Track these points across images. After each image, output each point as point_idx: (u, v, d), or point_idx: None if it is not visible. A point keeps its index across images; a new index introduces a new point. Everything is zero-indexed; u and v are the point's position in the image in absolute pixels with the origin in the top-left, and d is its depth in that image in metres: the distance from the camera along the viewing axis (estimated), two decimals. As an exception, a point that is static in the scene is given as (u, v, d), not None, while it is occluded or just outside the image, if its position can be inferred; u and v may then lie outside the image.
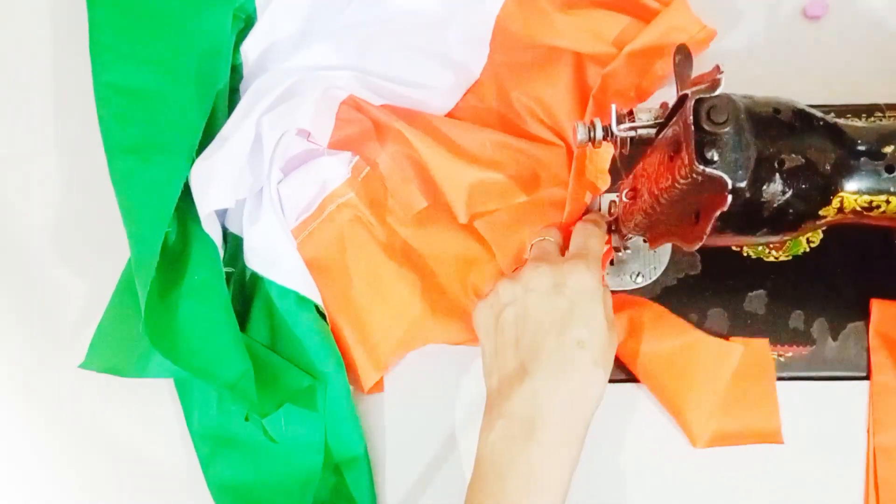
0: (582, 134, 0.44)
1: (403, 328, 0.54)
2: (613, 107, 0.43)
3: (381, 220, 0.55)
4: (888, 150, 0.39)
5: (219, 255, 0.54)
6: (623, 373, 0.53)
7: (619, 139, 0.43)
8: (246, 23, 0.56)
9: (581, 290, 0.46)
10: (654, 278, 0.55)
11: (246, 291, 0.56)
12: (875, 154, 0.39)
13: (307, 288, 0.53)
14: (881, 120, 0.54)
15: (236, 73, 0.57)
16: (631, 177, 0.47)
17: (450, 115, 0.57)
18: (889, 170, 0.39)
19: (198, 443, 0.54)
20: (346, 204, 0.55)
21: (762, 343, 0.53)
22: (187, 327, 0.51)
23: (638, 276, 0.55)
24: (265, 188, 0.53)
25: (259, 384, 0.50)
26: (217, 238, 0.54)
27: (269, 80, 0.54)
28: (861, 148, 0.39)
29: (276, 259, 0.53)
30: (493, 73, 0.57)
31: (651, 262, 0.55)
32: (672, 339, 0.52)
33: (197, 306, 0.52)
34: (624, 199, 0.48)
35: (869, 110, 0.55)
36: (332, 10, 0.56)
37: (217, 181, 0.52)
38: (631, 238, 0.52)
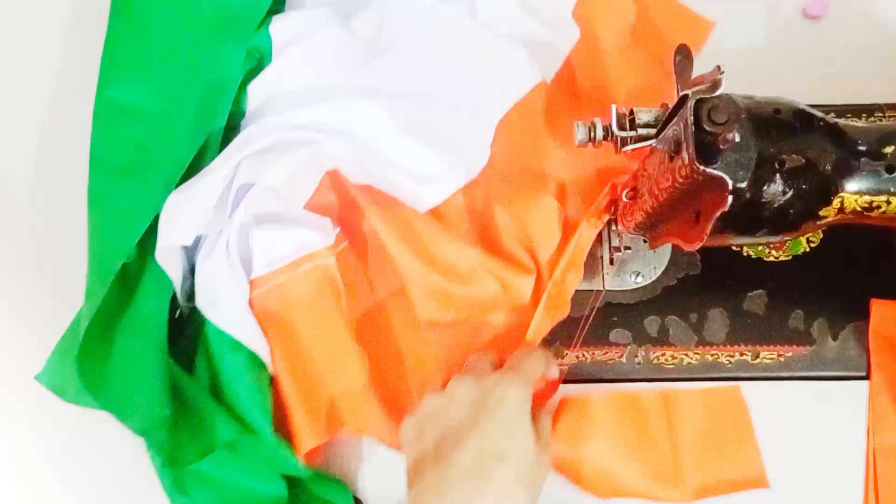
0: (582, 134, 0.44)
1: (345, 407, 0.52)
2: (613, 107, 0.43)
3: (351, 293, 0.53)
4: (888, 150, 0.39)
5: (170, 293, 0.52)
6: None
7: (618, 139, 0.43)
8: (258, 63, 0.55)
9: (505, 402, 0.44)
10: (654, 278, 0.55)
11: (199, 328, 0.53)
12: (875, 154, 0.39)
13: (243, 333, 0.51)
14: (881, 120, 0.54)
15: (239, 110, 0.55)
16: (631, 177, 0.47)
17: (433, 210, 0.54)
18: (889, 170, 0.39)
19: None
20: (323, 267, 0.52)
21: (732, 389, 0.52)
22: (118, 363, 0.50)
23: (638, 276, 0.55)
24: (224, 227, 0.52)
25: (187, 430, 0.49)
26: (174, 272, 0.52)
27: (264, 128, 0.53)
28: (861, 148, 0.39)
29: (216, 299, 0.51)
30: (486, 178, 0.55)
31: (651, 262, 0.55)
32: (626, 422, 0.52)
33: (133, 343, 0.50)
34: (624, 199, 0.48)
35: (869, 110, 0.55)
36: (347, 71, 0.55)
37: (183, 217, 0.51)
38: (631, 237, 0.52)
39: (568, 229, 0.54)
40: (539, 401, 0.50)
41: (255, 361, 0.51)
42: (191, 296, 0.54)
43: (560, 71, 0.57)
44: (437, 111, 0.54)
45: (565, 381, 0.53)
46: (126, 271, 0.51)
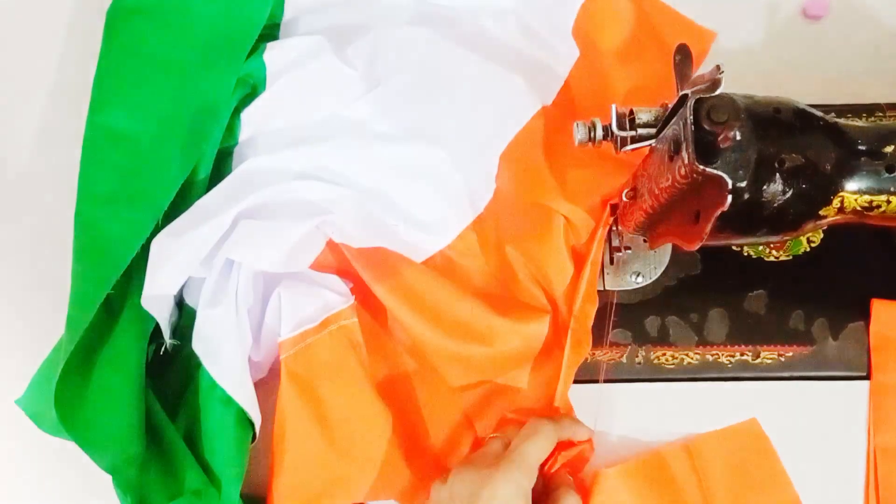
0: (582, 133, 0.44)
1: (368, 476, 0.50)
2: (614, 107, 0.43)
3: (371, 353, 0.52)
4: (888, 149, 0.39)
5: (150, 328, 0.52)
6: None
7: (618, 139, 0.43)
8: (253, 90, 0.55)
9: (494, 501, 0.44)
10: (654, 278, 0.55)
11: (189, 371, 0.53)
12: (875, 154, 0.39)
13: (239, 390, 0.50)
14: (881, 120, 0.54)
15: (232, 138, 0.55)
16: (631, 177, 0.47)
17: (443, 255, 0.54)
18: (889, 169, 0.39)
19: None
20: (348, 327, 0.51)
21: (751, 423, 0.52)
22: (94, 396, 0.49)
23: (638, 276, 0.55)
24: (232, 275, 0.50)
25: (158, 471, 0.49)
26: (160, 312, 0.51)
27: (263, 173, 0.52)
28: (861, 148, 0.39)
29: (218, 350, 0.50)
30: (494, 212, 0.54)
31: (651, 262, 0.55)
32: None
33: (110, 376, 0.50)
34: (624, 198, 0.48)
35: (869, 110, 0.55)
36: (341, 102, 0.54)
37: (172, 265, 0.50)
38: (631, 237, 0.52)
39: (576, 259, 0.53)
40: (572, 470, 0.50)
41: (243, 419, 0.50)
42: (175, 331, 0.53)
43: (560, 92, 0.56)
44: (439, 146, 0.53)
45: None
46: (109, 301, 0.50)
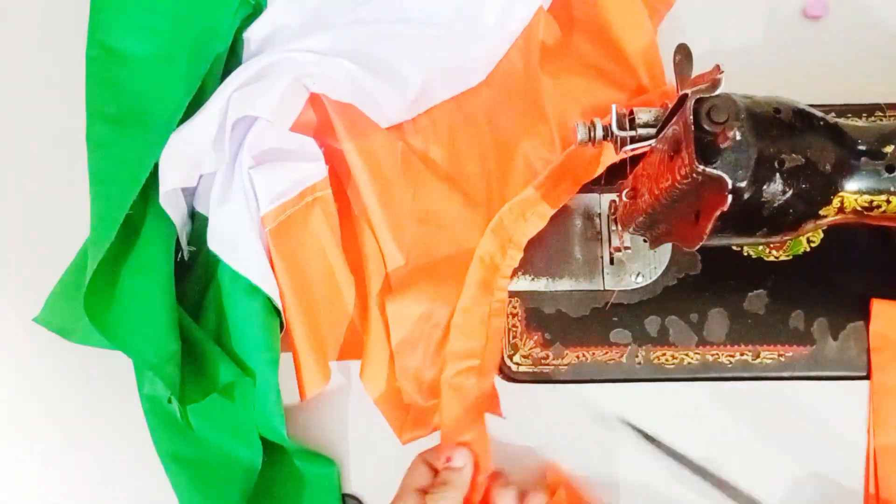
0: (582, 134, 0.44)
1: (342, 333, 0.54)
2: (614, 107, 0.43)
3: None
4: (888, 149, 0.39)
5: (173, 235, 0.53)
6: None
7: (618, 139, 0.43)
8: (255, 9, 0.56)
9: None
10: (654, 278, 0.55)
11: (208, 273, 0.55)
12: (875, 154, 0.39)
13: (262, 279, 0.52)
14: (881, 120, 0.54)
15: (236, 57, 0.56)
16: (631, 177, 0.47)
17: (425, 130, 0.57)
18: (889, 169, 0.39)
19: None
20: (323, 199, 0.54)
21: None
22: (125, 302, 0.51)
23: (638, 276, 0.55)
24: (237, 172, 0.53)
25: (190, 371, 0.50)
26: (177, 217, 0.53)
27: (253, 62, 0.54)
28: (861, 148, 0.39)
29: (236, 244, 0.52)
30: (482, 93, 0.57)
31: (651, 262, 0.55)
32: None
33: (139, 283, 0.51)
34: (624, 198, 0.48)
35: (869, 110, 0.55)
36: (344, 7, 0.56)
37: (181, 159, 0.51)
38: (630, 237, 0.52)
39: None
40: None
41: (270, 307, 0.52)
42: (191, 239, 0.55)
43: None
44: (438, 40, 0.55)
45: (568, 382, 0.53)
46: (129, 219, 0.52)
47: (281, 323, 0.53)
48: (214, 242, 0.53)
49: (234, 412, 0.53)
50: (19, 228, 0.59)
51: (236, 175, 0.53)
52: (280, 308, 0.52)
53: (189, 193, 0.56)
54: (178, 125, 0.53)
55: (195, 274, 0.55)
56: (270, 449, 0.53)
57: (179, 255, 0.55)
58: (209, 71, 0.54)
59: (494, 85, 0.57)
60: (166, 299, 0.51)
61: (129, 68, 0.55)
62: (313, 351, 0.53)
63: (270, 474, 0.53)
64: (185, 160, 0.52)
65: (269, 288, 0.52)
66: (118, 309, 0.50)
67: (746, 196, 0.37)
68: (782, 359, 0.53)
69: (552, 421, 0.55)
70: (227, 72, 0.55)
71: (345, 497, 0.54)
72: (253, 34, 0.56)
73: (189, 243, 0.55)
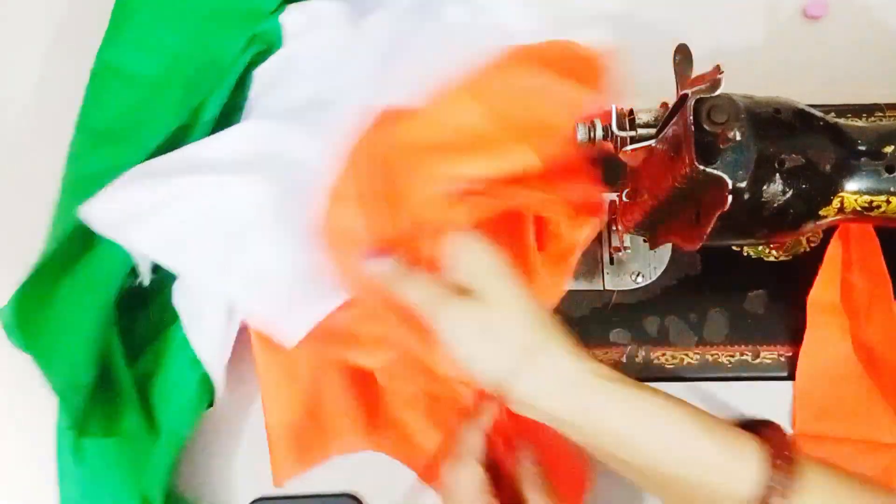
0: (582, 134, 0.44)
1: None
2: (614, 107, 0.43)
3: None
4: (888, 150, 0.39)
5: (125, 269, 0.51)
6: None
7: (618, 139, 0.43)
8: (268, 47, 0.55)
9: None
10: (654, 278, 0.55)
11: (166, 318, 0.53)
12: (875, 154, 0.39)
13: (213, 361, 0.50)
14: (881, 120, 0.54)
15: (243, 92, 0.55)
16: (631, 177, 0.47)
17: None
18: (889, 170, 0.39)
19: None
20: None
21: None
22: (51, 317, 0.49)
23: (638, 276, 0.55)
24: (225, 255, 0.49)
25: (100, 407, 0.49)
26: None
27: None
28: (861, 148, 0.39)
29: (200, 315, 0.50)
30: None
31: (651, 262, 0.55)
32: None
33: (72, 302, 0.50)
34: (624, 199, 0.48)
35: (869, 110, 0.55)
36: (350, 73, 0.54)
37: (151, 224, 0.49)
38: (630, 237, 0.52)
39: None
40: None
41: (206, 385, 0.51)
42: (157, 268, 0.52)
43: None
44: None
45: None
46: (88, 233, 0.50)
47: (210, 402, 0.52)
48: (180, 301, 0.51)
49: (130, 457, 0.51)
50: (19, 228, 0.59)
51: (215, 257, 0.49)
52: (217, 390, 0.51)
53: None
54: (155, 150, 0.51)
55: (155, 308, 0.53)
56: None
57: (138, 280, 0.52)
58: (203, 103, 0.53)
59: None
60: (94, 327, 0.49)
61: (125, 85, 0.55)
62: (285, 444, 0.52)
63: None
64: (152, 227, 0.49)
65: (215, 370, 0.50)
66: (44, 321, 0.49)
67: (746, 196, 0.37)
68: (782, 359, 0.53)
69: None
70: (232, 106, 0.54)
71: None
72: (261, 73, 0.55)
73: (155, 271, 0.52)
